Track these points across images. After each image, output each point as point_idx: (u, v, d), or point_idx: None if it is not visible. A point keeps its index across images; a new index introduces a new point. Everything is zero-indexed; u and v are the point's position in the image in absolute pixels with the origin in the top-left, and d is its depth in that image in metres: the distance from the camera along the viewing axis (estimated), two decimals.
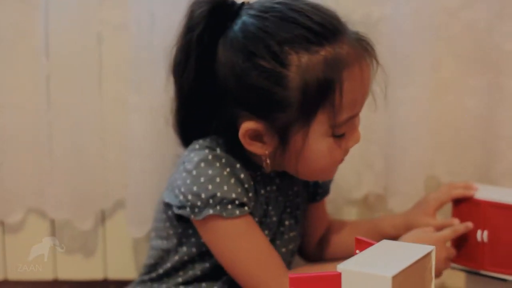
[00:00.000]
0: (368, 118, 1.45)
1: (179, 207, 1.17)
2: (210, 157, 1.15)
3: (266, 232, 1.23)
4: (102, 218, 1.49)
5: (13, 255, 1.48)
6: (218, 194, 1.13)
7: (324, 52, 1.08)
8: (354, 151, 1.43)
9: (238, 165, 1.16)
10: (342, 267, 0.84)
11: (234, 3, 1.17)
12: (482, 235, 1.23)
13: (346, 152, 1.17)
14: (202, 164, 1.15)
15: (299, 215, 1.30)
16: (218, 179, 1.14)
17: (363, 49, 1.12)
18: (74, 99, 1.40)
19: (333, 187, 1.39)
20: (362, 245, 0.91)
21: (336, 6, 1.31)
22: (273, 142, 1.13)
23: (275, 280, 1.16)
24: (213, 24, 1.14)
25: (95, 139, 1.43)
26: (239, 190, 1.15)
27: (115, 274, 1.49)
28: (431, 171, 1.48)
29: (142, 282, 1.27)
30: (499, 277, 1.22)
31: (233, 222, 1.15)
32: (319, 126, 1.11)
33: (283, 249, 1.26)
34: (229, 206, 1.14)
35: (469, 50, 1.47)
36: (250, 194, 1.17)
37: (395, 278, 0.81)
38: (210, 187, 1.13)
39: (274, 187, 1.24)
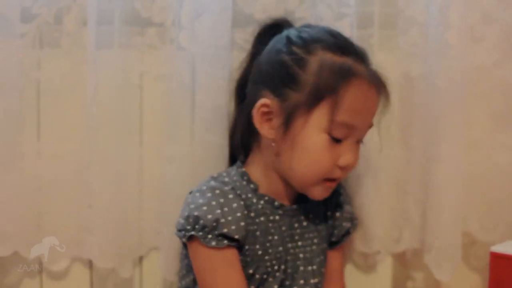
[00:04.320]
0: (404, 172, 1.48)
1: (177, 231, 1.29)
2: (204, 188, 1.28)
3: (273, 262, 1.31)
4: (139, 264, 1.50)
5: None
6: (201, 222, 1.24)
7: (344, 59, 1.25)
8: (394, 205, 1.46)
9: (231, 196, 1.27)
10: None
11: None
12: None
13: (337, 166, 1.28)
14: (197, 194, 1.28)
15: (314, 251, 1.36)
16: (205, 208, 1.25)
17: (375, 79, 1.28)
18: (114, 150, 1.42)
19: (375, 241, 1.43)
20: None
21: (377, 65, 1.36)
22: (278, 123, 1.27)
23: None
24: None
25: (134, 190, 1.45)
26: (223, 221, 1.24)
27: None
28: (465, 227, 1.48)
29: None
30: None
31: (210, 252, 1.25)
32: (319, 117, 1.25)
33: (301, 281, 1.34)
34: (209, 236, 1.24)
35: (499, 106, 1.49)
36: (242, 224, 1.26)
37: None
38: (196, 213, 1.25)
39: (277, 217, 1.33)
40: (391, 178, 1.48)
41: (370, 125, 1.30)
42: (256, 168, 1.33)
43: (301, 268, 1.34)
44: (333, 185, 1.30)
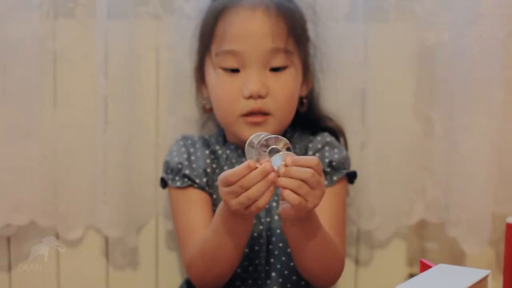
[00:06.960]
0: (422, 144, 1.45)
1: None
2: (179, 137, 1.39)
3: None
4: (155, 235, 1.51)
5: (68, 273, 1.49)
6: (170, 165, 1.33)
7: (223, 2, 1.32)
8: (406, 178, 1.44)
9: (198, 145, 1.37)
10: None
11: None
12: None
13: (244, 98, 1.29)
14: (174, 143, 1.39)
15: None
16: (174, 153, 1.35)
17: (260, 2, 1.30)
18: (130, 118, 1.43)
19: (385, 213, 1.41)
20: (426, 268, 0.91)
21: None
22: (204, 81, 1.36)
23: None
24: None
25: (148, 159, 1.46)
26: (186, 163, 1.33)
27: None
28: (494, 204, 1.42)
29: None
30: None
31: (177, 192, 1.33)
32: (209, 58, 1.33)
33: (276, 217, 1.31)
34: (176, 177, 1.32)
35: None
36: (202, 170, 1.33)
37: None
38: (167, 158, 1.36)
39: None
40: (406, 152, 1.44)
41: (273, 48, 1.29)
42: None
43: (275, 211, 1.31)
44: (255, 119, 1.29)
